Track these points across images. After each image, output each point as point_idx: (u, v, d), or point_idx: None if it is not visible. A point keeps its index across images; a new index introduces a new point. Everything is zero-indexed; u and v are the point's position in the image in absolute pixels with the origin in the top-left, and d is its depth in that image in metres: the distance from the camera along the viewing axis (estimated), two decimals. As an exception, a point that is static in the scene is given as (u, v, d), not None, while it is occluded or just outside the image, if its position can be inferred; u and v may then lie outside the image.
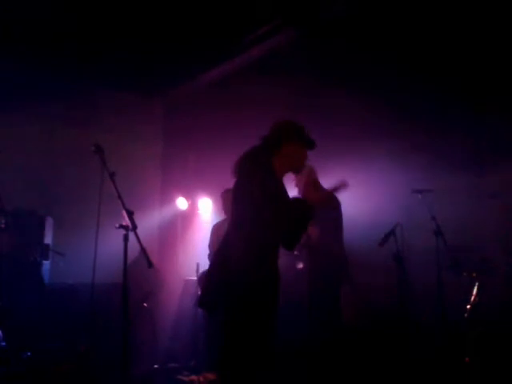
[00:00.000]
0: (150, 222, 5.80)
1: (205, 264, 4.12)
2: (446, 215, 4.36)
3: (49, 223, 5.21)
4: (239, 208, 2.49)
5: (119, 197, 2.69)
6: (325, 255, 3.90)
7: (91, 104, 5.97)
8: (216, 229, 4.61)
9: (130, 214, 2.64)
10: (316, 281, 3.91)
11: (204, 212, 6.06)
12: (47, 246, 5.13)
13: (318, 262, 3.92)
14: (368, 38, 4.61)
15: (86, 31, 4.98)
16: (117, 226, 2.66)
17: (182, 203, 6.10)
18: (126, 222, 2.64)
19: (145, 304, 4.44)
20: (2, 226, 4.26)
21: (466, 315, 4.04)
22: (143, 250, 2.64)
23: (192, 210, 6.06)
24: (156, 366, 4.53)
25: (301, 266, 3.99)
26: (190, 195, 6.12)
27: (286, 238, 2.53)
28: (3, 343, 3.98)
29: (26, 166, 5.40)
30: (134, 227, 2.62)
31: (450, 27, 4.26)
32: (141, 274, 4.21)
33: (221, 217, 4.88)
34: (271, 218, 2.39)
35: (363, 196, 4.85)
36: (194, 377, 4.24)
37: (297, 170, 2.61)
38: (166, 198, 6.43)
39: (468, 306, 4.06)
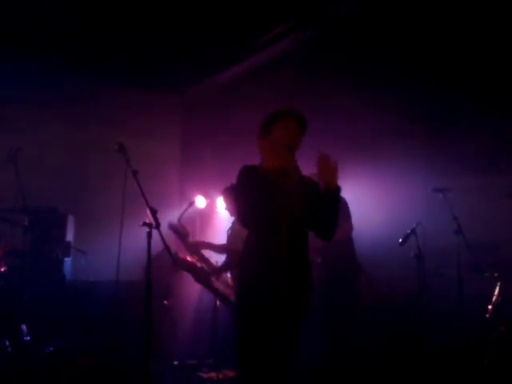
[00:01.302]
0: (169, 220, 5.84)
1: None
2: (465, 214, 4.32)
3: (70, 221, 5.30)
4: None
5: (143, 195, 2.72)
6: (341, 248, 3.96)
7: (112, 103, 6.05)
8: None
9: (154, 212, 2.67)
10: (334, 274, 3.96)
11: (222, 210, 6.07)
12: (68, 243, 5.23)
13: (333, 255, 3.97)
14: (380, 37, 4.62)
15: (108, 30, 5.06)
16: (141, 223, 2.69)
17: (200, 202, 6.12)
18: (150, 219, 2.67)
19: (165, 302, 4.49)
20: (26, 223, 4.34)
21: (487, 315, 4.00)
22: (167, 248, 2.67)
23: (210, 209, 6.08)
24: (176, 363, 4.57)
25: (319, 260, 4.00)
26: (208, 194, 6.14)
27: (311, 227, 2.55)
28: (27, 338, 4.06)
29: (48, 165, 5.50)
30: (158, 225, 2.65)
31: (463, 20, 4.24)
32: (161, 271, 4.27)
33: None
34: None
35: (382, 197, 4.83)
36: (213, 374, 4.27)
37: (292, 145, 2.54)
38: (185, 196, 6.47)
39: (489, 306, 4.02)
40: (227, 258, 4.06)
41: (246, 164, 2.58)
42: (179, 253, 4.01)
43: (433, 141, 4.77)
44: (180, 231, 4.15)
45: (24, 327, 4.13)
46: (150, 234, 2.69)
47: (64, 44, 5.26)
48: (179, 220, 4.30)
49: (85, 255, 4.95)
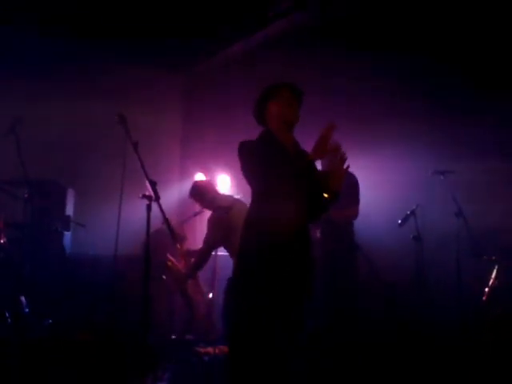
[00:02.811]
0: (169, 197, 5.85)
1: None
2: (466, 198, 4.31)
3: (70, 194, 5.30)
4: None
5: (142, 167, 2.70)
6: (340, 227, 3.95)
7: (114, 77, 6.00)
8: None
9: (153, 185, 2.66)
10: (332, 252, 3.96)
11: (222, 188, 6.07)
12: (68, 217, 5.24)
13: (331, 233, 3.96)
14: (381, 16, 4.58)
15: (111, 5, 5.00)
16: (140, 195, 2.68)
17: (200, 179, 6.11)
18: (150, 192, 2.66)
19: (163, 276, 4.51)
20: (26, 195, 4.34)
21: (484, 298, 4.02)
22: (166, 221, 2.67)
23: (210, 186, 6.06)
24: (173, 337, 4.61)
25: (318, 234, 4.00)
26: (208, 171, 6.13)
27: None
28: (26, 309, 4.09)
29: (49, 138, 5.48)
30: (157, 197, 2.64)
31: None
32: (160, 246, 4.28)
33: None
34: (262, 186, 2.38)
35: (382, 178, 4.81)
36: (210, 349, 4.31)
37: (289, 120, 2.49)
38: (185, 173, 6.47)
39: (486, 289, 4.04)
40: (201, 255, 3.98)
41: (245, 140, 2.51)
42: (170, 255, 4.07)
43: (435, 123, 4.73)
44: (179, 234, 4.14)
45: (23, 299, 4.15)
46: (149, 207, 2.68)
47: (66, 18, 5.20)
48: (182, 223, 4.31)
49: (84, 228, 4.96)
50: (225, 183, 6.08)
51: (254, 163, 2.40)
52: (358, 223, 4.27)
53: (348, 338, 3.86)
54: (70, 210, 5.29)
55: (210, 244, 3.88)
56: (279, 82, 2.55)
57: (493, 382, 3.40)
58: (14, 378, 3.35)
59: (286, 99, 2.48)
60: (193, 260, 4.15)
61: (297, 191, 2.37)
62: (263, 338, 2.31)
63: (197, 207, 4.74)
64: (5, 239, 4.26)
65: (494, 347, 3.69)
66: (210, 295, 4.37)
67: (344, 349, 3.78)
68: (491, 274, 4.07)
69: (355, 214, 4.14)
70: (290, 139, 2.49)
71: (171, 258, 4.16)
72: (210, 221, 3.89)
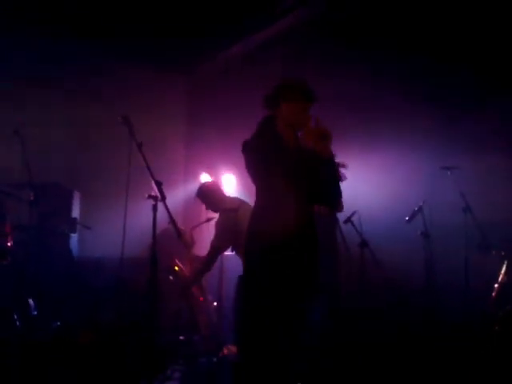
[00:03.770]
0: (174, 198, 5.84)
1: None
2: (474, 194, 4.28)
3: (76, 197, 5.29)
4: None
5: (147, 167, 2.69)
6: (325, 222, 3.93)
7: (118, 79, 6.00)
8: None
9: (159, 185, 2.65)
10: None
11: (228, 188, 6.06)
12: (74, 219, 5.24)
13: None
14: (389, 11, 4.53)
15: (113, 6, 5.00)
16: (146, 196, 2.67)
17: (205, 179, 6.10)
18: (155, 192, 2.66)
19: (170, 277, 4.50)
20: (31, 198, 4.34)
21: (493, 294, 3.98)
22: (172, 221, 2.66)
23: (216, 186, 6.05)
24: (181, 338, 4.60)
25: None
26: (213, 171, 6.12)
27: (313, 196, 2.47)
28: (35, 312, 4.09)
29: (53, 140, 5.48)
30: (163, 198, 2.63)
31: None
32: (166, 246, 4.27)
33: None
34: (267, 180, 2.37)
35: (389, 174, 4.79)
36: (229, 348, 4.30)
37: (299, 125, 2.49)
38: (190, 174, 6.46)
39: (496, 285, 4.00)
40: (209, 257, 3.97)
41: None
42: (178, 260, 4.06)
43: (443, 118, 4.70)
44: (187, 240, 4.14)
45: (31, 302, 4.16)
46: (155, 207, 2.67)
47: (66, 18, 5.20)
48: (192, 229, 4.31)
49: (90, 231, 4.96)
50: (230, 183, 6.07)
51: (256, 161, 2.40)
52: (365, 220, 4.24)
53: (348, 338, 3.84)
54: (75, 212, 5.29)
55: (217, 246, 3.87)
56: (295, 83, 2.52)
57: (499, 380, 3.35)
58: (14, 378, 3.34)
59: (300, 104, 2.48)
60: (198, 265, 4.16)
61: (299, 188, 2.37)
62: (267, 338, 2.31)
63: (203, 209, 4.74)
64: (11, 242, 4.26)
65: (502, 344, 3.65)
66: (215, 303, 4.36)
67: (344, 349, 3.75)
68: (500, 269, 4.03)
69: (341, 206, 4.15)
70: (291, 134, 2.50)
71: (178, 262, 4.16)
72: (218, 223, 3.89)
